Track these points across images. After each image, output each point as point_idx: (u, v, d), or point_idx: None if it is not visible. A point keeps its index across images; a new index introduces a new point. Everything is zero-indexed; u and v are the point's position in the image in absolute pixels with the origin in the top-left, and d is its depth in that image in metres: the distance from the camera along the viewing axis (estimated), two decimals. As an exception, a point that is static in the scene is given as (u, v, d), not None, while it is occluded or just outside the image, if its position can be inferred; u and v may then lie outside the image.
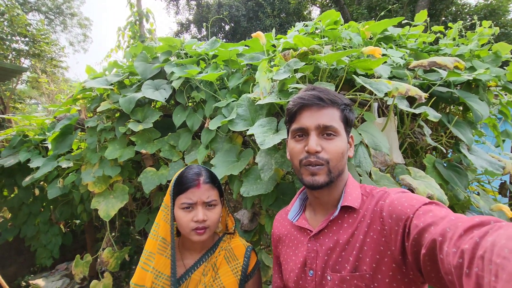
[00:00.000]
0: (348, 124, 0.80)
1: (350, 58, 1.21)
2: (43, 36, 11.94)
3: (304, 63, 1.17)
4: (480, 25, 1.74)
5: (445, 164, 1.51)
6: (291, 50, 1.37)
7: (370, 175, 1.27)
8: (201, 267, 0.98)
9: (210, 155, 1.69)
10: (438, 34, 1.94)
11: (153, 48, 1.96)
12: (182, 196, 0.93)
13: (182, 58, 1.85)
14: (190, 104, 1.87)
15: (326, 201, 0.82)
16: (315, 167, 0.75)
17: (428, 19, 1.92)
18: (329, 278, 0.74)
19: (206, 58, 1.87)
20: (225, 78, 1.72)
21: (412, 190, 1.25)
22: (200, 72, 1.65)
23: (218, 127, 1.57)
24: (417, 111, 1.25)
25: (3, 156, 2.55)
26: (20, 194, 2.74)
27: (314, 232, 0.80)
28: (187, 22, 16.20)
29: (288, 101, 0.87)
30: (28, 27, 11.40)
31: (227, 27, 14.81)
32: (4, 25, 10.59)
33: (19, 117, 2.89)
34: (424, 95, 1.12)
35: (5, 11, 10.84)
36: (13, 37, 11.04)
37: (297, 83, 1.23)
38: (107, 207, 1.77)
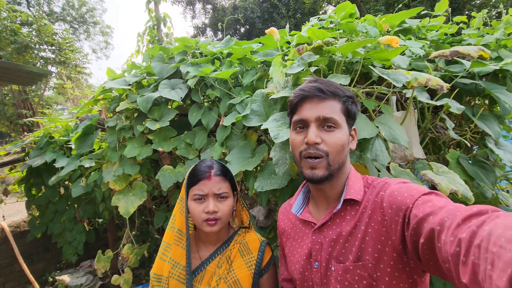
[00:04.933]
0: (350, 116, 0.79)
1: (366, 49, 1.18)
2: (68, 44, 12.54)
3: (318, 56, 1.15)
4: (507, 13, 1.65)
5: (470, 160, 1.43)
6: (305, 44, 1.36)
7: (388, 170, 1.23)
8: (216, 259, 1.00)
9: (226, 153, 1.70)
10: (461, 25, 1.85)
11: (169, 49, 2.00)
12: (194, 188, 0.95)
13: (197, 58, 1.87)
14: (206, 103, 1.89)
15: (328, 194, 0.82)
16: (315, 161, 0.75)
17: (450, 9, 1.84)
18: (333, 268, 0.75)
19: (220, 57, 1.89)
20: (240, 76, 1.72)
21: (434, 186, 1.20)
22: (215, 70, 1.67)
23: (233, 125, 1.58)
24: (438, 103, 1.20)
25: (31, 157, 2.69)
26: (47, 193, 2.88)
27: (317, 225, 0.81)
28: (203, 26, 16.48)
29: None
30: (54, 36, 12.01)
31: (242, 29, 14.93)
32: (32, 35, 11.21)
33: (46, 119, 3.04)
34: (446, 85, 1.07)
35: (33, 22, 11.49)
36: (40, 46, 11.67)
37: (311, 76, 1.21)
38: (127, 204, 1.82)
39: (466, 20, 1.86)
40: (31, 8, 16.30)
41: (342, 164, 0.78)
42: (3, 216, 3.35)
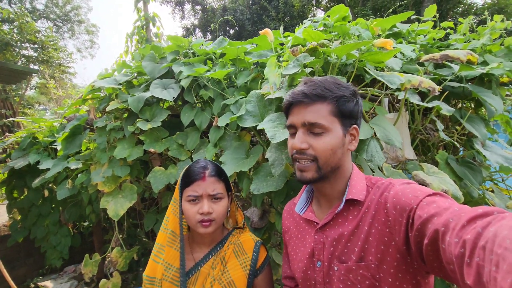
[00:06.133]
0: (345, 116, 0.76)
1: (360, 51, 1.19)
2: (51, 43, 12.16)
3: (313, 57, 1.16)
4: (492, 20, 1.71)
5: (457, 161, 1.48)
6: (300, 46, 1.36)
7: (382, 170, 1.25)
8: (210, 260, 0.98)
9: (218, 154, 1.68)
10: (448, 30, 1.91)
11: (161, 48, 1.97)
12: (188, 188, 0.94)
13: (190, 58, 1.85)
14: (198, 104, 1.87)
15: (329, 193, 0.82)
16: (303, 164, 0.76)
17: (437, 14, 1.90)
18: (336, 268, 0.75)
19: (213, 57, 1.87)
20: (233, 76, 1.71)
21: (425, 186, 1.22)
22: (208, 71, 1.66)
23: (226, 125, 1.57)
24: (429, 105, 1.23)
25: (13, 158, 2.58)
26: (30, 196, 2.77)
27: (320, 224, 0.81)
28: (192, 27, 16.38)
29: None
30: (37, 34, 11.63)
31: (232, 31, 14.92)
32: (14, 32, 10.82)
33: (29, 119, 2.93)
34: (438, 88, 1.10)
35: (15, 19, 11.09)
36: (22, 44, 11.27)
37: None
38: (116, 207, 1.77)
39: (453, 26, 1.92)
40: (12, 5, 15.73)
41: (336, 166, 0.78)
42: (-18, 220, 3.19)
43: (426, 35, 1.82)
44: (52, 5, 18.14)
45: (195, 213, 0.92)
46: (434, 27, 1.99)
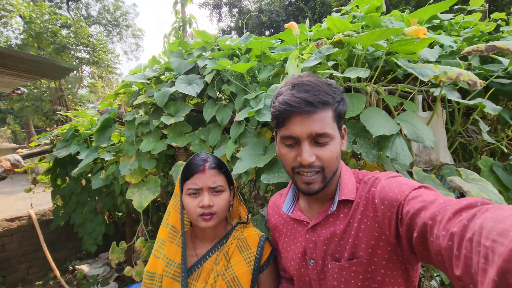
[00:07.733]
0: (340, 118, 0.75)
1: (389, 41, 1.09)
2: (101, 46, 13.21)
3: (336, 49, 1.09)
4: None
5: (505, 169, 1.29)
6: (325, 38, 1.29)
7: (411, 174, 1.13)
8: (213, 256, 0.96)
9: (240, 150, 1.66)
10: (499, 22, 1.70)
11: (189, 44, 2.01)
12: (188, 182, 0.92)
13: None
14: (223, 102, 1.87)
15: (320, 197, 0.81)
16: (310, 177, 0.72)
17: (487, 5, 1.69)
18: (330, 266, 0.76)
19: (239, 53, 1.86)
20: (256, 72, 1.68)
21: (463, 194, 1.08)
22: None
23: (247, 122, 1.54)
24: (471, 102, 1.08)
25: (57, 149, 2.81)
26: (70, 184, 3.00)
27: (311, 224, 0.80)
28: (228, 29, 16.73)
29: None
30: (89, 38, 12.71)
31: (267, 33, 14.96)
32: (70, 36, 11.93)
33: (73, 113, 3.19)
34: (480, 81, 0.97)
35: (71, 24, 12.23)
36: (77, 47, 12.39)
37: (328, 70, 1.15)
38: (140, 198, 1.83)
39: (505, 18, 1.70)
40: (70, 12, 17.40)
41: (336, 170, 0.76)
42: (31, 205, 3.53)
43: (472, 28, 1.63)
44: (104, 11, 19.77)
45: (196, 207, 0.90)
46: (483, 20, 1.78)
